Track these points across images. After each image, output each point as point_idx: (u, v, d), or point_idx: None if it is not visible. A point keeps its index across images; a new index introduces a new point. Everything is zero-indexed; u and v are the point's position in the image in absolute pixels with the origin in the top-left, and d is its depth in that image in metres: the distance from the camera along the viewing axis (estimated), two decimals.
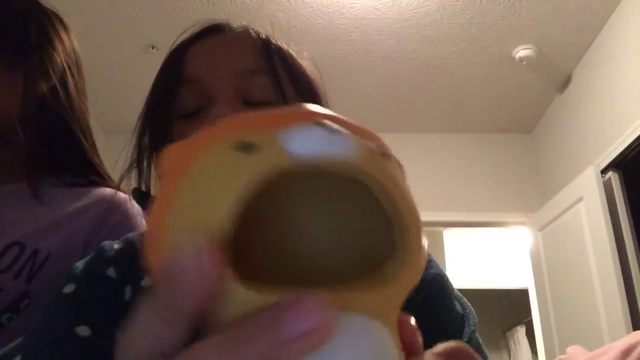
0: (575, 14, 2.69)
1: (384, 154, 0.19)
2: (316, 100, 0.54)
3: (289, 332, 0.15)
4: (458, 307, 0.47)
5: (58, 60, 0.77)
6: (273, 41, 0.54)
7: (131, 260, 0.51)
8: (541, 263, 3.25)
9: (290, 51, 0.56)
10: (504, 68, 3.11)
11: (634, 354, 1.12)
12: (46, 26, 0.78)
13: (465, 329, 0.45)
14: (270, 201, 0.17)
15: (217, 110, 0.47)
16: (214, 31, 0.54)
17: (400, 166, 0.20)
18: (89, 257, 0.53)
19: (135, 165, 0.55)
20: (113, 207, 0.74)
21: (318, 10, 2.70)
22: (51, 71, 0.74)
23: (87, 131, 0.80)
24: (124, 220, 0.73)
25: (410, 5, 2.66)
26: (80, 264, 0.51)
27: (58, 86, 0.75)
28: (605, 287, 2.52)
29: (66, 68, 0.79)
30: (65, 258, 0.67)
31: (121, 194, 0.76)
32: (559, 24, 2.76)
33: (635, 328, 2.32)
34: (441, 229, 5.10)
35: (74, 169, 0.77)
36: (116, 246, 0.54)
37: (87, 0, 2.65)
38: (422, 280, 0.37)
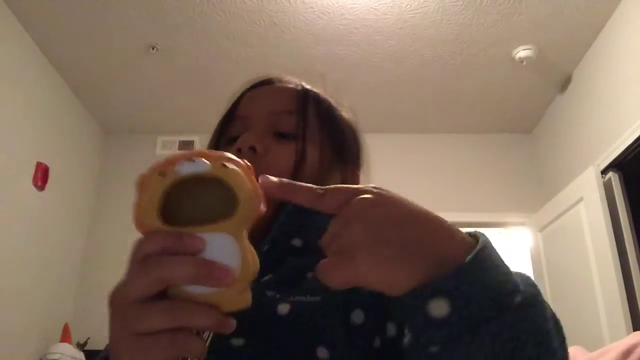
0: (575, 14, 2.69)
1: (223, 165, 0.38)
2: (341, 140, 0.69)
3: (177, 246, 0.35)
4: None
5: None
6: (312, 92, 0.69)
7: None
8: (541, 263, 3.24)
9: (330, 101, 0.71)
10: (504, 68, 3.11)
11: (635, 355, 1.12)
12: None
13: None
14: (184, 192, 0.38)
15: (242, 138, 0.62)
16: (266, 82, 0.70)
17: (239, 166, 0.39)
18: None
19: None
20: None
21: (318, 11, 2.70)
22: None
23: None
24: None
25: (411, 6, 2.66)
26: None
27: None
28: (605, 287, 2.51)
29: None
30: None
31: None
32: (559, 24, 2.76)
33: (635, 329, 2.32)
34: None
35: None
36: None
37: (88, 0, 2.65)
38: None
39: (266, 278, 0.55)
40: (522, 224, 3.55)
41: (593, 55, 2.92)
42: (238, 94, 0.71)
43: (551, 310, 0.40)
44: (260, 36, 2.88)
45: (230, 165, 0.38)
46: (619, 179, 2.64)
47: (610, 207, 2.58)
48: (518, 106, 3.51)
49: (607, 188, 2.64)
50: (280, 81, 0.70)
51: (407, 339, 0.35)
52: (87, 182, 3.64)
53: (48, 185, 3.06)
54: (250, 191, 0.38)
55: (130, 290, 0.35)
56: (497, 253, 0.36)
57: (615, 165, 2.64)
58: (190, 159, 0.38)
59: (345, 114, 0.72)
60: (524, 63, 2.98)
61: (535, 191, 3.61)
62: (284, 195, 0.39)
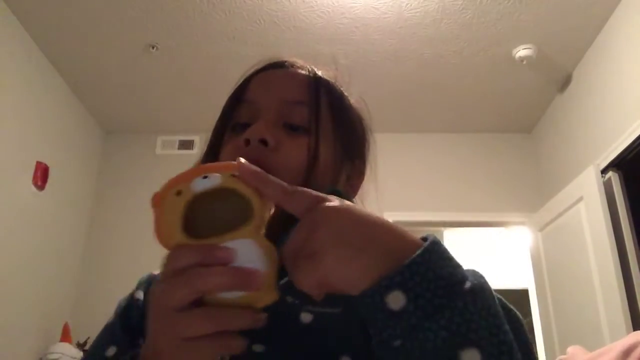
0: (576, 14, 2.69)
1: (234, 175, 0.41)
2: (351, 133, 0.67)
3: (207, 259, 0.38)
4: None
5: None
6: (324, 80, 0.65)
7: None
8: (541, 263, 3.24)
9: (341, 90, 0.68)
10: (504, 68, 3.11)
11: (635, 354, 1.12)
12: None
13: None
14: (201, 205, 0.41)
15: (253, 127, 0.58)
16: (277, 65, 0.66)
17: (248, 174, 0.41)
18: None
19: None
20: None
21: (318, 10, 2.70)
22: None
23: None
24: None
25: (411, 5, 2.66)
26: (123, 298, 0.63)
27: None
28: (605, 287, 2.51)
29: None
30: None
31: None
32: (559, 24, 2.76)
33: (635, 328, 2.32)
34: (441, 229, 5.10)
35: None
36: (152, 273, 0.65)
37: (88, 0, 2.65)
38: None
39: (283, 281, 0.54)
40: (522, 223, 3.55)
41: (593, 55, 2.92)
42: (247, 75, 0.66)
43: (502, 301, 0.44)
44: (261, 36, 2.88)
45: (238, 176, 0.41)
46: (619, 178, 2.64)
47: (610, 207, 2.58)
48: (518, 106, 3.51)
49: (607, 187, 2.64)
50: (293, 65, 0.66)
51: (373, 339, 0.37)
52: (87, 182, 3.64)
53: (48, 185, 3.06)
54: (258, 196, 0.40)
55: (172, 301, 0.38)
56: (446, 250, 0.39)
57: (615, 164, 2.64)
58: (203, 174, 0.41)
59: (355, 102, 0.70)
60: (524, 62, 2.98)
61: (535, 191, 3.61)
62: (257, 185, 0.40)
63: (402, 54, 3.03)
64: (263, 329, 0.41)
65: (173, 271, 0.38)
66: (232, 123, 0.62)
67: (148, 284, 0.63)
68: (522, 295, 4.13)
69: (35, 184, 2.97)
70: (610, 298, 2.46)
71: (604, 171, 2.69)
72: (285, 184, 0.40)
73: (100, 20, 2.78)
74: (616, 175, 2.64)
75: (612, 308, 2.44)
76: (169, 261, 0.39)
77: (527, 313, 3.72)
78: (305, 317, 0.50)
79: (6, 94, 2.74)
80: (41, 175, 3.01)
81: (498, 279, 5.18)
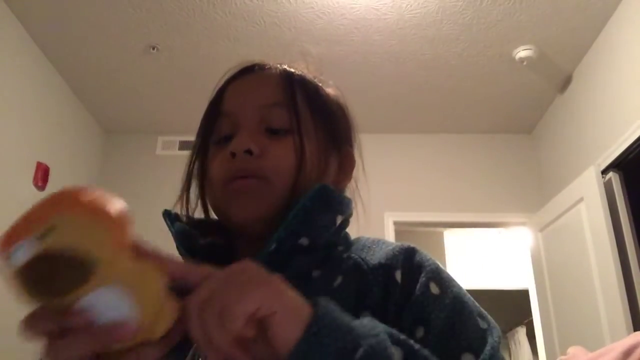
0: (576, 14, 2.69)
1: (47, 230, 0.34)
2: (333, 122, 0.65)
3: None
4: (481, 324, 0.49)
5: None
6: (297, 76, 0.64)
7: None
8: (542, 264, 3.24)
9: (316, 82, 0.66)
10: (504, 68, 3.11)
11: (635, 355, 1.12)
12: None
13: (489, 341, 0.47)
14: (38, 269, 0.35)
15: (236, 139, 0.58)
16: (247, 71, 0.65)
17: (71, 203, 0.36)
18: None
19: (185, 190, 0.65)
20: None
21: (318, 11, 2.70)
22: None
23: None
24: None
25: (411, 6, 2.66)
26: None
27: None
28: (605, 287, 2.51)
29: None
30: None
31: None
32: (559, 24, 2.76)
33: (636, 329, 2.32)
34: (442, 229, 5.10)
35: None
36: None
37: (88, 0, 2.65)
38: (444, 302, 0.49)
39: None
40: (523, 224, 3.54)
41: (593, 55, 2.92)
42: (221, 87, 0.66)
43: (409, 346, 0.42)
44: (261, 36, 2.88)
45: (60, 217, 0.35)
46: (620, 179, 2.64)
47: (610, 207, 2.58)
48: (518, 106, 3.51)
49: (608, 188, 2.63)
50: (262, 68, 0.66)
51: None
52: (87, 182, 3.64)
53: (48, 185, 3.06)
54: (95, 231, 0.35)
55: None
56: (332, 314, 0.40)
57: (616, 165, 2.64)
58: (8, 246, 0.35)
59: (331, 91, 0.69)
60: (524, 63, 2.98)
61: (535, 191, 3.61)
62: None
63: (402, 55, 3.03)
64: None
65: (37, 340, 0.37)
66: (215, 138, 0.62)
67: None
68: (522, 296, 4.13)
69: (36, 185, 2.97)
70: (611, 298, 2.46)
71: (604, 172, 2.69)
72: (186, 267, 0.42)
73: (100, 21, 2.78)
74: (617, 175, 2.64)
75: (613, 308, 2.44)
76: (26, 327, 0.37)
77: (528, 313, 3.72)
78: None
79: (6, 94, 2.74)
80: (42, 176, 3.01)
81: (499, 280, 5.18)
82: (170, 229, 0.62)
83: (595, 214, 2.63)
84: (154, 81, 3.29)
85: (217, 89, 0.66)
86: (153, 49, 2.98)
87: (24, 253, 0.34)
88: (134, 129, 3.83)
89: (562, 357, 1.40)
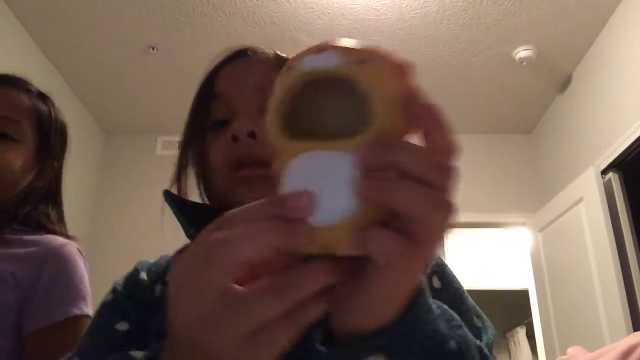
0: (575, 14, 2.69)
1: (361, 62, 0.30)
2: None
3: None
4: (477, 322, 0.49)
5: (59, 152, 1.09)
6: (287, 59, 0.60)
7: (161, 268, 0.61)
8: (541, 264, 3.24)
9: None
10: (504, 68, 3.11)
11: (635, 355, 1.12)
12: (65, 133, 1.13)
13: (483, 338, 0.47)
14: (315, 94, 0.31)
15: (237, 123, 0.55)
16: (241, 55, 0.65)
17: (384, 64, 0.31)
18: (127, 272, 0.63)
19: (179, 175, 0.64)
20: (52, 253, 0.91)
21: (318, 12, 2.70)
22: (55, 162, 1.06)
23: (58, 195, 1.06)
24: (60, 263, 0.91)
25: (411, 6, 2.66)
26: (120, 279, 0.61)
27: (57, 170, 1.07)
28: (605, 287, 2.51)
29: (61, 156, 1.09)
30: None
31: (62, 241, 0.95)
32: (559, 25, 2.76)
33: (635, 329, 2.32)
34: None
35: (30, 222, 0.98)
36: (150, 261, 0.64)
37: (88, 0, 2.65)
38: (444, 296, 0.48)
39: None
40: (522, 224, 3.55)
41: (593, 55, 2.92)
42: (213, 69, 0.64)
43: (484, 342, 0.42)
44: (260, 36, 2.88)
45: (373, 62, 0.30)
46: (619, 179, 2.64)
47: (610, 207, 2.58)
48: (518, 106, 3.51)
49: (607, 188, 2.64)
50: (255, 51, 0.65)
51: None
52: (87, 182, 3.64)
53: None
54: (390, 100, 0.29)
55: (235, 257, 0.28)
56: (428, 301, 0.34)
57: (615, 165, 2.64)
58: (318, 50, 0.31)
59: None
60: (524, 63, 2.98)
61: (535, 191, 3.61)
62: (423, 116, 0.32)
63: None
64: None
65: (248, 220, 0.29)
66: (210, 122, 0.59)
67: (164, 269, 0.60)
68: (522, 296, 4.13)
69: None
70: (611, 298, 2.46)
71: (604, 172, 2.69)
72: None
73: (100, 21, 2.78)
74: (616, 176, 2.64)
75: (612, 308, 2.44)
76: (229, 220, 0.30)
77: (527, 313, 3.72)
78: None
79: None
80: None
81: (498, 280, 5.18)
82: (170, 206, 0.60)
83: (594, 214, 2.63)
84: (153, 81, 3.29)
85: (208, 72, 0.64)
86: (153, 49, 2.98)
87: (315, 60, 0.31)
88: (134, 129, 3.83)
89: (562, 357, 1.40)
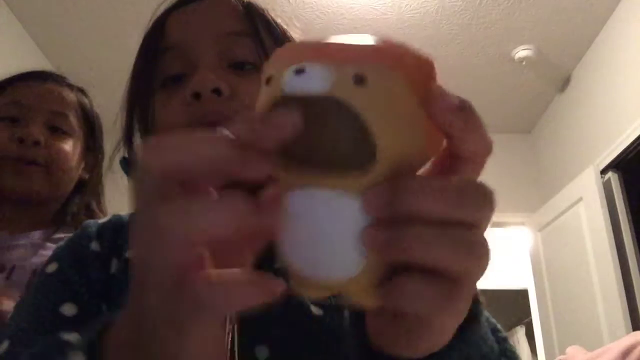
0: (575, 14, 2.69)
1: (358, 80, 0.22)
2: None
3: None
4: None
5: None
6: (258, 7, 0.53)
7: (116, 234, 0.52)
8: (541, 263, 3.25)
9: (276, 17, 0.55)
10: (503, 68, 3.11)
11: (634, 355, 1.12)
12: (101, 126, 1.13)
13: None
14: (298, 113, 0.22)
15: (198, 77, 0.46)
16: None
17: (392, 78, 0.24)
18: (72, 234, 0.53)
19: (129, 140, 0.57)
20: None
21: (318, 11, 2.70)
22: (100, 154, 1.09)
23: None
24: None
25: (410, 6, 2.66)
26: (62, 243, 0.51)
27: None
28: (604, 287, 2.52)
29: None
30: None
31: None
32: (559, 24, 2.77)
33: (634, 328, 2.32)
34: None
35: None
36: (100, 222, 0.54)
37: (88, 0, 2.65)
38: None
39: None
40: (522, 223, 3.55)
41: (592, 55, 2.93)
42: (160, 17, 0.55)
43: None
44: None
45: (375, 78, 0.23)
46: (619, 178, 2.64)
47: (609, 207, 2.58)
48: (517, 106, 3.51)
49: (607, 188, 2.64)
50: None
51: None
52: None
53: None
54: (403, 121, 0.24)
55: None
56: (481, 320, 0.32)
57: (615, 165, 2.65)
58: (299, 61, 0.23)
59: (296, 36, 0.57)
60: (524, 63, 2.98)
61: (534, 191, 3.61)
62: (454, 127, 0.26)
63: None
64: (266, 325, 0.36)
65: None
66: (163, 78, 0.49)
67: (118, 235, 0.51)
68: (521, 296, 4.14)
69: None
70: (610, 298, 2.47)
71: (603, 172, 2.69)
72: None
73: (101, 21, 2.78)
74: (616, 175, 2.65)
75: (612, 308, 2.45)
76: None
77: (527, 313, 3.72)
78: (316, 309, 0.44)
79: None
80: None
81: (497, 280, 5.18)
82: (126, 174, 0.54)
83: (594, 214, 2.63)
84: None
85: (155, 19, 0.55)
86: None
87: (299, 81, 0.22)
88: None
89: (561, 356, 1.40)
